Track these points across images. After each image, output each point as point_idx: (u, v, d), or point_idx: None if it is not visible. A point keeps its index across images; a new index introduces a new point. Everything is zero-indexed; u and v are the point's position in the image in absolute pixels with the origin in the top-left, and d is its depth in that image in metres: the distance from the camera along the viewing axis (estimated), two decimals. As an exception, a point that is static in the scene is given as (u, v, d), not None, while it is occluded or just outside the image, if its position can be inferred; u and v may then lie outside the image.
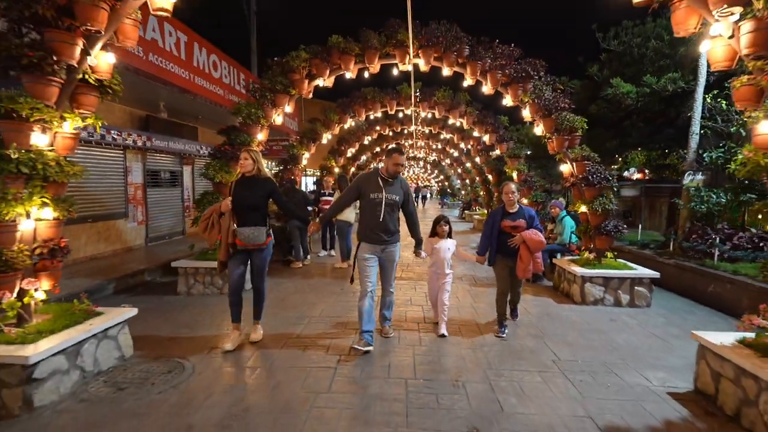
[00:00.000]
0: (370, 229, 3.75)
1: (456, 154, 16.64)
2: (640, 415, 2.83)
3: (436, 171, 31.08)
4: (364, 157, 15.34)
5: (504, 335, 4.21)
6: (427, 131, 13.87)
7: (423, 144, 18.28)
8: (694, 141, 7.29)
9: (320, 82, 6.39)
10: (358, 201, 3.95)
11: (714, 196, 6.56)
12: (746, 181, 6.04)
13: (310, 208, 8.13)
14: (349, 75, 6.25)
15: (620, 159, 14.71)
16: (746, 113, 2.83)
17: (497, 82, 6.15)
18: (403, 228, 3.97)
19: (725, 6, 2.45)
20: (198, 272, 5.81)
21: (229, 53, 9.85)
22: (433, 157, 22.52)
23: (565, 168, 6.23)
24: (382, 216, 3.69)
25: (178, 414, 2.77)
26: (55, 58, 2.71)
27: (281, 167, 9.23)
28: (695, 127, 7.24)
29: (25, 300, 3.01)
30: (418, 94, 9.17)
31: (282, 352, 3.78)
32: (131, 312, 3.70)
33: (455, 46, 5.88)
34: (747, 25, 2.48)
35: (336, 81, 6.74)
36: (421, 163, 29.94)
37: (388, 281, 3.96)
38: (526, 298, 5.54)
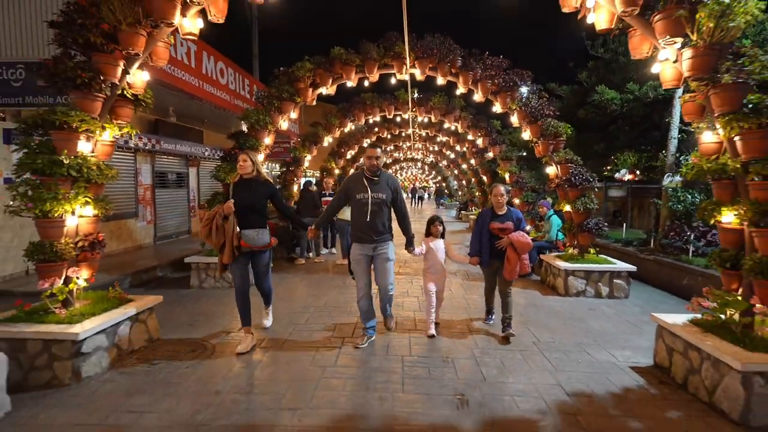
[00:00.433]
0: (358, 228, 3.77)
1: (452, 156, 17.11)
2: (603, 384, 3.30)
3: (433, 172, 31.58)
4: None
5: (491, 322, 4.63)
6: (424, 134, 14.35)
7: (421, 146, 18.77)
8: (672, 145, 7.79)
9: (323, 90, 6.86)
10: None
11: (690, 196, 7.05)
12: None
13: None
14: (350, 84, 6.72)
15: (614, 160, 15.20)
16: (693, 125, 3.31)
17: (487, 90, 6.62)
18: (397, 227, 4.01)
19: (668, 36, 2.93)
20: (209, 267, 6.25)
21: (231, 57, 10.28)
22: (430, 158, 22.98)
23: (551, 170, 6.71)
24: (369, 215, 3.68)
25: (205, 383, 3.22)
26: (101, 78, 3.17)
27: (284, 169, 9.69)
28: (674, 132, 7.74)
29: (70, 286, 3.45)
30: (415, 97, 9.59)
31: (291, 336, 4.23)
32: (157, 299, 4.15)
33: (449, 57, 6.36)
34: (687, 53, 2.96)
35: (337, 85, 7.18)
36: (419, 165, 30.44)
37: (384, 281, 3.83)
38: (515, 291, 5.95)
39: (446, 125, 10.86)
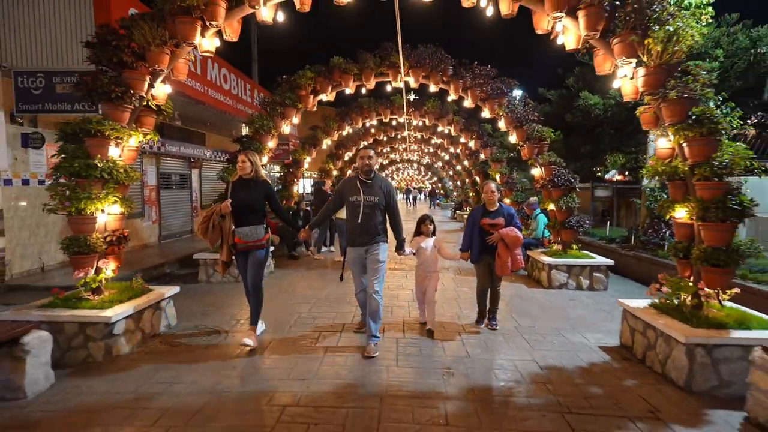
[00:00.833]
0: (351, 231, 3.84)
1: (447, 157, 17.59)
2: (573, 360, 3.75)
3: (429, 173, 32.06)
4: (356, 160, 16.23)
5: (482, 327, 4.49)
6: (419, 136, 14.82)
7: (416, 148, 19.25)
8: (651, 147, 8.29)
9: (323, 97, 7.31)
10: None
11: (665, 196, 7.53)
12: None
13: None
14: (349, 91, 7.16)
15: (607, 161, 15.72)
16: (651, 132, 3.78)
17: (476, 97, 7.09)
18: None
19: (624, 57, 3.40)
20: (216, 263, 6.65)
21: (231, 61, 10.65)
22: (426, 160, 23.47)
23: (536, 171, 7.18)
24: (360, 218, 3.73)
25: (223, 359, 3.65)
26: (131, 91, 3.60)
27: (285, 170, 10.12)
28: (652, 135, 8.24)
29: (100, 276, 3.88)
30: (410, 96, 10.00)
31: (296, 323, 4.67)
32: (175, 289, 4.57)
33: (440, 66, 6.82)
34: (641, 71, 3.43)
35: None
36: (415, 166, 30.93)
37: (372, 279, 3.80)
38: (503, 284, 6.40)
39: (440, 128, 11.32)
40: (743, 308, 3.66)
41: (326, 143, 10.53)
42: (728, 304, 3.62)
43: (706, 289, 3.49)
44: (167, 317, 4.43)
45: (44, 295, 4.03)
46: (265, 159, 7.18)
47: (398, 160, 25.62)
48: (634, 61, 3.42)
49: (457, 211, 20.74)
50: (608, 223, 10.32)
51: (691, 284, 3.65)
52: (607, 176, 17.60)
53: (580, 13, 3.45)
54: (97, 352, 3.60)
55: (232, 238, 3.80)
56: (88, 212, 3.69)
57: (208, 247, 7.20)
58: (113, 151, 3.76)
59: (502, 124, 7.35)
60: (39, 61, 6.19)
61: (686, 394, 3.15)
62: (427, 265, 4.35)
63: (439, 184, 31.74)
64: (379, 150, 16.99)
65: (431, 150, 17.90)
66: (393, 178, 37.65)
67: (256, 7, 3.63)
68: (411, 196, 31.55)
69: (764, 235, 8.14)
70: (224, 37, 3.94)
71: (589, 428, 2.68)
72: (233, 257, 3.98)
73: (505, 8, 3.74)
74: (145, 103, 3.91)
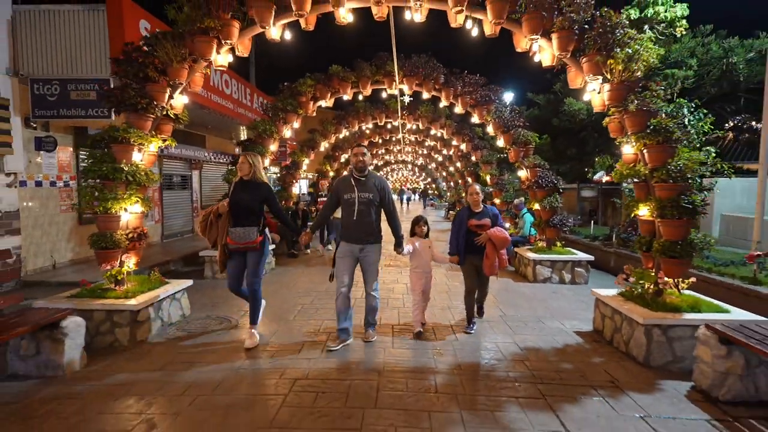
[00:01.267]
0: (346, 228, 3.88)
1: (440, 159, 18.08)
2: (549, 342, 4.22)
3: (423, 174, 32.61)
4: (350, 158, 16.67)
5: (472, 332, 4.39)
6: (413, 138, 15.29)
7: (410, 150, 19.72)
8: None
9: (323, 103, 7.73)
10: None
11: (644, 196, 8.09)
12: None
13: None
14: (346, 97, 7.60)
15: (597, 162, 16.18)
16: (617, 140, 4.27)
17: (466, 104, 7.56)
18: (387, 227, 4.08)
19: (591, 75, 3.88)
20: (222, 260, 7.06)
21: (230, 62, 11.01)
22: (420, 161, 23.97)
23: (522, 173, 7.66)
24: (356, 214, 3.76)
25: (236, 344, 4.06)
26: (155, 102, 4.00)
27: (284, 172, 10.52)
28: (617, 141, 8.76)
29: (123, 269, 4.27)
30: (405, 99, 10.43)
31: (300, 313, 5.09)
32: (188, 282, 4.97)
33: (432, 75, 7.28)
34: (606, 86, 3.91)
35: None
36: (410, 167, 31.44)
37: (369, 283, 3.90)
38: (491, 279, 6.90)
39: (433, 131, 11.79)
40: (699, 295, 4.15)
41: (324, 146, 10.94)
42: (688, 292, 4.11)
43: (665, 278, 3.98)
44: (182, 307, 4.83)
45: (58, 291, 4.40)
46: (267, 162, 7.58)
47: (393, 161, 26.10)
48: (600, 77, 3.90)
49: (451, 211, 21.24)
50: (593, 222, 10.84)
51: (652, 274, 4.13)
52: (595, 177, 18.17)
53: (554, 36, 3.93)
54: (123, 337, 4.00)
55: (224, 238, 3.88)
56: (114, 211, 4.08)
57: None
58: (136, 156, 4.16)
59: (490, 129, 7.82)
60: (54, 69, 6.55)
61: (645, 368, 3.62)
62: (423, 266, 4.37)
63: (433, 185, 32.28)
64: (375, 152, 17.44)
65: (425, 152, 18.37)
66: (388, 179, 38.07)
67: (266, 27, 4.05)
68: (405, 197, 32.03)
69: (735, 232, 8.72)
70: (236, 53, 4.36)
71: (556, 394, 3.14)
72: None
73: (489, 29, 4.20)
74: (164, 113, 4.31)
